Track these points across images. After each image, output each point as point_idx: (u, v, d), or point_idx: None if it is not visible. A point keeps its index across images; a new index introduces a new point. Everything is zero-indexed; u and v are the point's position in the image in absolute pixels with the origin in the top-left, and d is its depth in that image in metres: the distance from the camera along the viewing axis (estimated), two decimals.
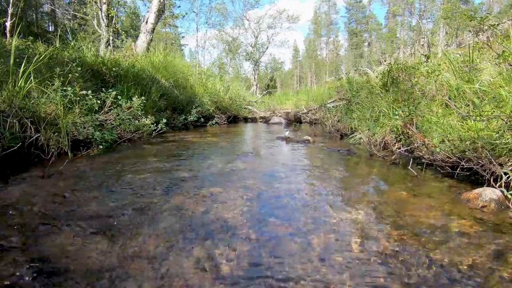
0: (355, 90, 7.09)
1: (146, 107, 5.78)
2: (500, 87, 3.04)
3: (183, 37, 42.19)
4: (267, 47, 32.95)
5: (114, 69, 5.96)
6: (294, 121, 10.41)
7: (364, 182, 2.68)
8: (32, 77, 3.34)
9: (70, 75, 4.04)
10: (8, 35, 7.08)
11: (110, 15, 9.04)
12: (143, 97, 5.14)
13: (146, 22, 9.93)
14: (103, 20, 8.97)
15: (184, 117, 7.71)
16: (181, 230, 1.63)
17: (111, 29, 9.11)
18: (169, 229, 1.63)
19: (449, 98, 3.61)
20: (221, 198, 2.13)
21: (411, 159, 3.10)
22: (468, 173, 2.60)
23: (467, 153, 2.54)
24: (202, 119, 8.31)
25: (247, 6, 32.55)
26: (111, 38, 9.13)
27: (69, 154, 3.27)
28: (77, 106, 3.87)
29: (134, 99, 4.96)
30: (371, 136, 4.38)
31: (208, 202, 2.05)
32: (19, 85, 3.21)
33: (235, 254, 1.41)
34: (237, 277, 1.24)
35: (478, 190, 2.10)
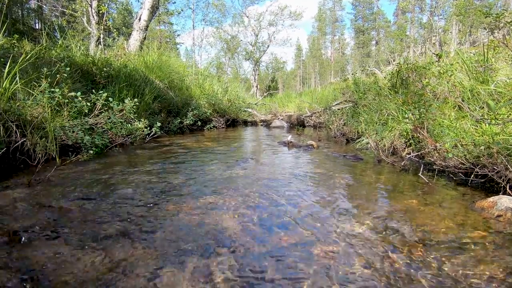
0: (362, 92, 7.11)
1: (139, 110, 5.81)
2: None
3: (178, 35, 42.41)
4: (268, 46, 33.19)
5: (105, 69, 6.00)
6: (297, 124, 10.43)
7: (371, 190, 2.69)
8: (17, 78, 3.36)
9: (58, 75, 4.06)
10: None
11: (100, 12, 9.11)
12: (136, 99, 5.17)
13: (139, 19, 10.00)
14: (93, 17, 9.03)
15: (179, 120, 7.74)
16: (175, 241, 1.63)
17: (102, 27, 9.16)
18: (162, 240, 1.63)
19: (462, 100, 3.63)
20: (218, 207, 2.14)
21: (422, 165, 3.11)
22: (482, 180, 2.61)
23: (481, 158, 2.55)
24: (198, 123, 8.34)
25: (247, 2, 32.85)
26: (101, 36, 9.19)
27: (57, 159, 3.28)
28: (65, 109, 3.89)
29: (126, 101, 4.98)
30: (379, 141, 4.39)
31: (205, 212, 2.05)
32: (3, 86, 3.23)
33: (233, 267, 1.41)
34: None
35: (493, 198, 2.10)
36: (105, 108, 4.65)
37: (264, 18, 32.49)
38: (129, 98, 5.11)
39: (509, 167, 2.32)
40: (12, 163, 3.00)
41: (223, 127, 9.85)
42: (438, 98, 4.20)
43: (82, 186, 2.54)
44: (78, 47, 6.44)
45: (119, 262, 1.41)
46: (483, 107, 3.23)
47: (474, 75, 4.04)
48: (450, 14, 32.04)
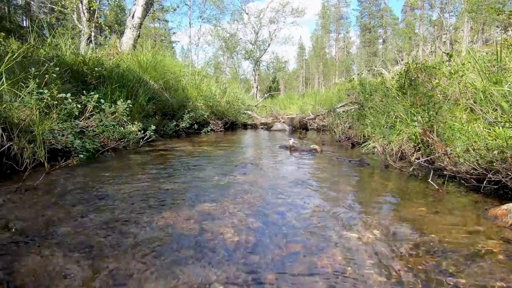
0: (368, 93, 7.14)
1: (132, 112, 5.82)
2: None
3: (174, 33, 42.58)
4: (269, 45, 33.31)
5: (96, 69, 6.02)
6: (300, 127, 10.46)
7: (378, 197, 2.69)
8: (3, 78, 3.37)
9: (46, 76, 4.08)
10: None
11: (92, 8, 9.15)
12: (129, 101, 5.18)
13: (133, 17, 10.05)
14: (84, 14, 9.08)
15: (175, 123, 7.75)
16: (170, 251, 1.64)
17: (93, 24, 9.21)
18: (157, 251, 1.64)
19: (474, 102, 3.65)
20: (216, 215, 2.15)
21: (432, 171, 3.12)
22: (495, 186, 2.61)
23: (494, 164, 2.56)
24: (195, 126, 8.36)
25: None
26: (93, 34, 9.23)
27: (46, 165, 3.29)
28: (54, 111, 3.90)
29: (119, 103, 5.00)
30: (387, 145, 4.40)
31: (202, 220, 2.06)
32: None
33: (233, 279, 1.42)
34: None
35: (507, 206, 2.11)
36: (97, 110, 4.67)
37: (264, 15, 32.67)
38: (121, 100, 5.13)
39: None
40: None
41: (221, 131, 9.87)
42: (448, 100, 4.21)
43: (72, 193, 2.54)
44: (68, 46, 6.46)
45: (110, 274, 1.42)
46: (496, 109, 3.24)
47: (487, 75, 4.06)
48: (461, 11, 32.16)
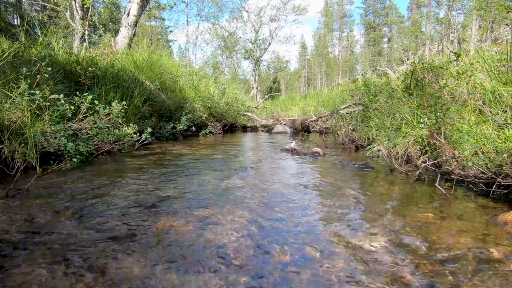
0: (373, 94, 7.15)
1: (127, 114, 5.83)
2: None
3: (171, 31, 42.69)
4: (270, 44, 33.33)
5: (90, 69, 6.03)
6: (301, 130, 10.47)
7: (383, 202, 2.70)
8: None
9: (38, 76, 4.08)
10: None
11: (85, 6, 9.16)
12: (124, 102, 5.18)
13: (128, 14, 10.07)
14: (77, 11, 9.09)
15: (172, 125, 7.76)
16: (167, 258, 1.64)
17: (87, 23, 9.22)
18: (153, 258, 1.64)
19: (483, 103, 3.65)
20: (215, 221, 2.15)
21: (439, 175, 3.12)
22: (505, 191, 2.62)
23: (504, 167, 2.56)
24: (193, 128, 8.37)
25: None
26: (86, 32, 9.24)
27: (38, 168, 3.30)
28: (46, 113, 3.90)
29: (113, 104, 5.00)
30: (392, 148, 4.40)
31: (200, 226, 2.06)
32: None
33: None
34: None
35: None
36: (90, 112, 4.66)
37: (265, 13, 32.79)
38: (116, 101, 5.13)
39: None
40: None
41: (220, 133, 9.88)
42: (456, 101, 4.22)
43: (64, 199, 2.55)
44: (61, 45, 6.47)
45: (106, 283, 1.42)
46: (506, 111, 3.24)
47: (496, 75, 4.07)
48: (469, 8, 32.21)
